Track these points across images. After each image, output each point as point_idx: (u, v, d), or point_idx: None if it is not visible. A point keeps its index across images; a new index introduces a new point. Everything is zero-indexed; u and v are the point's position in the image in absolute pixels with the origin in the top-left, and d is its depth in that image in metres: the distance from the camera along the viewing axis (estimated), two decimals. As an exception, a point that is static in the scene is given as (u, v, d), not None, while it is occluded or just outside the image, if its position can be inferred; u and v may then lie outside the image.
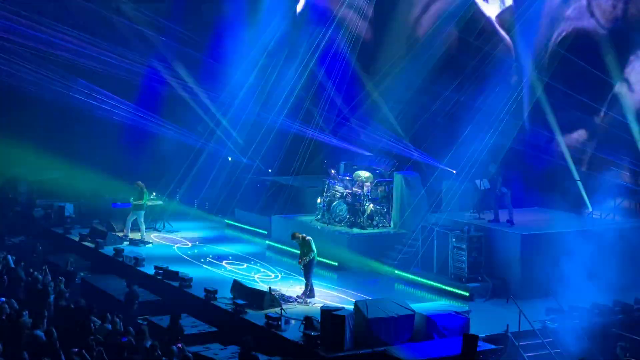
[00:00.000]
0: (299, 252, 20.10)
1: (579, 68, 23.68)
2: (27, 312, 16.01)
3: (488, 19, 26.26)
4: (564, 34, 24.42)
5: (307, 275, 19.79)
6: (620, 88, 23.43)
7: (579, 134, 24.22)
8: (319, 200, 25.24)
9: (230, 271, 22.50)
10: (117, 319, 16.46)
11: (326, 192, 25.11)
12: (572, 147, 24.18)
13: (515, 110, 25.14)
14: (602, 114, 23.76)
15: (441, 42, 26.46)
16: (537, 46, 24.80)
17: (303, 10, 30.89)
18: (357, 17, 28.79)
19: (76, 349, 14.03)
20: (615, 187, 22.55)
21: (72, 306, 17.14)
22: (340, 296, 20.26)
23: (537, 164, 24.64)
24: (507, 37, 25.69)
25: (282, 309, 18.27)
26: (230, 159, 29.57)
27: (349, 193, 24.50)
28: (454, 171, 25.28)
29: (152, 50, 29.41)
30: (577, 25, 24.15)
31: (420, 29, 27.70)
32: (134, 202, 25.54)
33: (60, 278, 19.61)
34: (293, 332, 17.34)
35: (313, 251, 19.72)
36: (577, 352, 16.67)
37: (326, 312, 16.70)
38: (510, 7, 26.07)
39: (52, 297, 18.03)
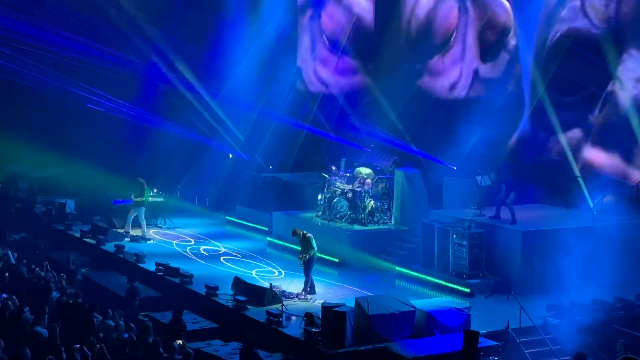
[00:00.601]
0: (299, 248, 20.12)
1: (573, 68, 23.74)
2: (28, 308, 16.03)
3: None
4: (559, 34, 24.50)
5: (308, 271, 19.81)
6: (613, 86, 23.47)
7: (574, 132, 24.26)
8: (319, 197, 25.23)
9: (229, 267, 22.52)
10: (118, 316, 16.48)
11: (327, 189, 25.09)
12: (568, 145, 24.22)
13: (516, 108, 25.18)
14: (596, 112, 23.80)
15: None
16: (535, 46, 24.86)
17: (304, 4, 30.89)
18: (359, 11, 28.82)
19: (77, 346, 14.04)
20: (611, 184, 22.56)
21: (74, 302, 17.14)
22: (341, 293, 20.26)
23: (537, 161, 24.65)
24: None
25: (282, 305, 18.28)
26: (231, 155, 29.57)
27: (349, 190, 24.49)
28: (455, 167, 25.31)
29: (152, 46, 29.41)
30: (572, 26, 24.24)
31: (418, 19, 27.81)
32: (135, 199, 25.53)
33: (61, 274, 19.63)
34: (294, 329, 17.37)
35: (313, 248, 19.73)
36: (577, 349, 16.67)
37: (327, 308, 16.73)
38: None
39: (53, 294, 18.04)
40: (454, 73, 26.93)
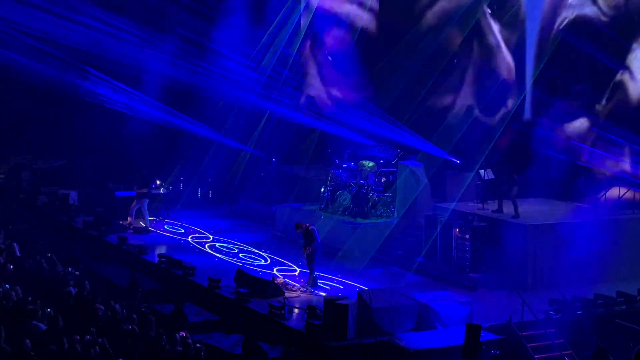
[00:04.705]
0: (302, 241, 20.13)
1: (581, 56, 23.64)
2: (30, 299, 16.05)
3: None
4: (566, 21, 24.37)
5: (311, 264, 19.83)
6: (622, 76, 23.38)
7: (581, 123, 24.16)
8: (322, 190, 25.23)
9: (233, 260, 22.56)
10: (121, 307, 16.49)
11: (330, 182, 25.10)
12: (574, 136, 24.14)
13: (517, 99, 25.12)
14: (603, 102, 23.71)
15: (443, 40, 26.50)
16: (540, 33, 24.74)
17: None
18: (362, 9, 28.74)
19: (78, 337, 14.05)
20: (618, 176, 22.52)
21: (77, 294, 17.17)
22: (343, 285, 20.28)
23: (540, 154, 24.58)
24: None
25: (285, 297, 18.30)
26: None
27: (352, 182, 24.50)
28: (458, 161, 25.27)
29: (158, 37, 29.33)
30: (580, 13, 24.10)
31: (425, 22, 27.65)
32: (138, 190, 25.54)
33: (64, 266, 19.65)
34: (296, 321, 17.39)
35: (317, 241, 19.74)
36: (580, 343, 16.70)
37: (329, 301, 16.74)
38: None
39: (57, 285, 18.06)
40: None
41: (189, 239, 24.77)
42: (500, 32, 25.96)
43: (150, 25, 28.64)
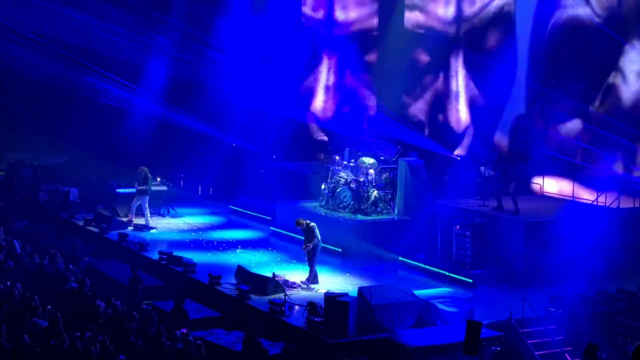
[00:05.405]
0: (303, 238, 20.13)
1: (573, 57, 23.63)
2: (29, 296, 16.07)
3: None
4: (559, 22, 24.35)
5: (311, 261, 19.83)
6: (614, 78, 23.36)
7: (574, 124, 24.17)
8: (323, 187, 25.21)
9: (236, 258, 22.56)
10: (121, 304, 16.51)
11: (330, 179, 25.07)
12: (567, 136, 24.16)
13: (512, 99, 25.15)
14: (596, 103, 23.70)
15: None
16: (533, 33, 24.74)
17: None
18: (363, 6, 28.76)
19: (78, 334, 14.07)
20: (611, 177, 22.53)
21: (79, 291, 17.19)
22: (344, 282, 20.27)
23: (535, 153, 24.59)
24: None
25: (285, 294, 18.31)
26: (234, 144, 29.49)
27: (353, 179, 24.48)
28: (459, 158, 25.28)
29: (158, 33, 29.33)
30: (572, 14, 24.08)
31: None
32: (139, 187, 25.55)
33: (65, 263, 19.65)
34: (297, 318, 17.40)
35: (317, 237, 19.74)
36: (580, 340, 16.69)
37: (330, 298, 16.76)
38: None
39: (58, 282, 18.08)
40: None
41: (190, 236, 24.79)
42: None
43: (151, 21, 28.67)
